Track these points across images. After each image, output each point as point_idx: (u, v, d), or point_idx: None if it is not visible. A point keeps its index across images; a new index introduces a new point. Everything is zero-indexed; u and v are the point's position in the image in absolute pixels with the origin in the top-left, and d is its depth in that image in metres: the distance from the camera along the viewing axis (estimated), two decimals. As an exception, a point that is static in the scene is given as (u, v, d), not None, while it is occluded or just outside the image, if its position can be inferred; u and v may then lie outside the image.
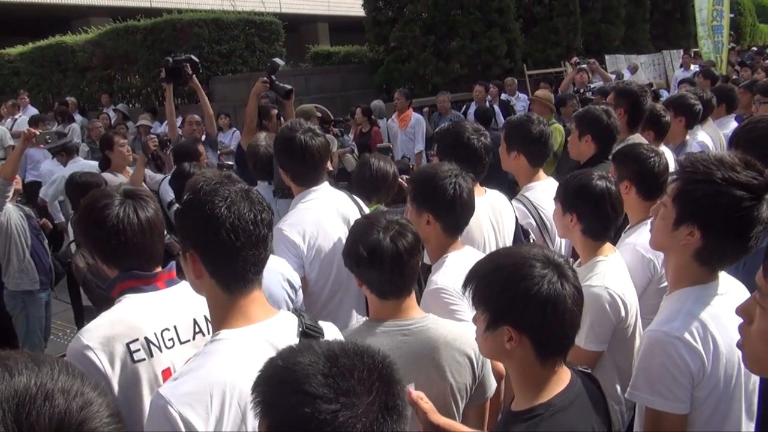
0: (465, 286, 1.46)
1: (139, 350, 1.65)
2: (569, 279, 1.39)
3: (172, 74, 4.96)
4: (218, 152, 5.67)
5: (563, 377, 1.44)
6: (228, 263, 1.43)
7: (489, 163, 2.76)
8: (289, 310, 1.63)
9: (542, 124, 2.95)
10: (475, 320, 1.47)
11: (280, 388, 0.96)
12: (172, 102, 5.16)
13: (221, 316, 1.46)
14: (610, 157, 3.22)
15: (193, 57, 5.08)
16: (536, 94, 6.90)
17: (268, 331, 1.47)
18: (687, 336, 1.57)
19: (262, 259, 1.48)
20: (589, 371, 1.58)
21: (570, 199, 2.23)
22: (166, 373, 1.67)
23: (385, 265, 1.74)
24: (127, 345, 1.64)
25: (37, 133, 4.11)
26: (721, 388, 1.60)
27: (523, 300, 1.35)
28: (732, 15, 14.70)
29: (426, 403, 1.62)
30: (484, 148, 2.70)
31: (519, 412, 1.42)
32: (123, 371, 1.62)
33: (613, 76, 8.71)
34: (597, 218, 2.20)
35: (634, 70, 10.88)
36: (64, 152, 6.26)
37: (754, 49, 16.48)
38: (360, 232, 1.80)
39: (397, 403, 0.97)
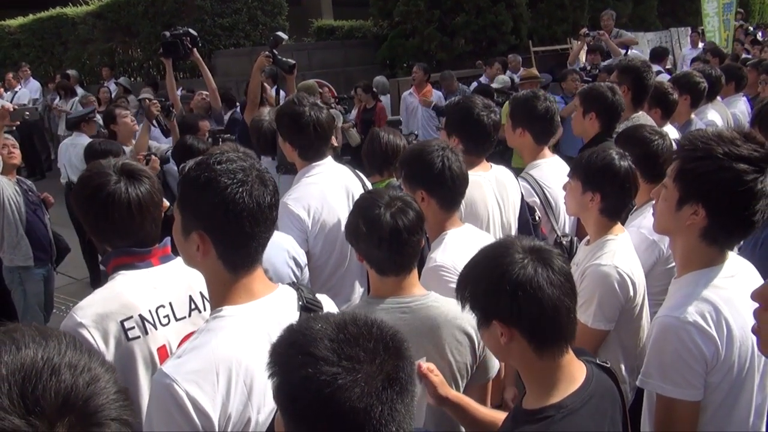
0: (458, 291, 1.44)
1: (133, 328, 1.62)
2: (548, 263, 1.34)
3: (170, 49, 4.91)
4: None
5: (576, 375, 1.39)
6: (241, 246, 1.40)
7: (497, 139, 2.74)
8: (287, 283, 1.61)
9: (548, 100, 2.92)
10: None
11: (289, 350, 0.99)
12: (172, 77, 5.13)
13: (223, 294, 1.43)
14: (614, 135, 3.20)
15: (191, 31, 5.00)
16: (521, 75, 6.89)
17: (270, 306, 1.45)
18: (700, 321, 1.53)
19: (269, 238, 1.47)
20: (607, 365, 1.53)
21: (594, 178, 2.18)
22: (162, 351, 1.66)
23: (383, 242, 1.72)
24: (121, 323, 1.61)
25: (11, 109, 4.05)
26: (735, 373, 1.57)
27: (496, 288, 1.32)
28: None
29: (436, 376, 1.62)
30: (493, 124, 2.68)
31: (529, 410, 1.38)
32: (117, 349, 1.60)
33: (622, 51, 8.56)
34: (621, 198, 2.19)
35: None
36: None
37: (751, 28, 16.16)
38: (362, 207, 1.78)
39: (401, 376, 0.98)
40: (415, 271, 1.85)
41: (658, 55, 8.51)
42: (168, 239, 1.82)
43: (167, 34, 4.95)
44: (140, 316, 1.64)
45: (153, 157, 3.95)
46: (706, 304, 1.55)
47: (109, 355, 1.59)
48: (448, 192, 2.20)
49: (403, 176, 2.28)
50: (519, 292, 1.30)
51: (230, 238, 1.39)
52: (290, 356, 0.98)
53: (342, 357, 0.95)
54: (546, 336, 1.35)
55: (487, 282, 1.35)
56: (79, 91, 10.73)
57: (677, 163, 1.61)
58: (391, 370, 0.96)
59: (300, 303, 1.51)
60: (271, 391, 1.03)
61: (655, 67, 8.17)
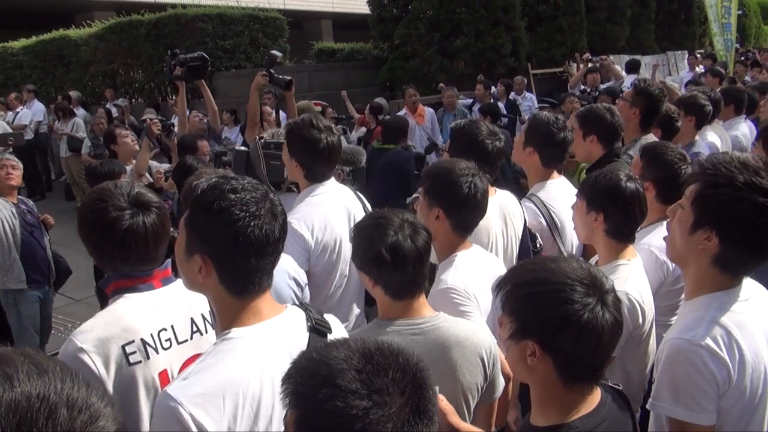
0: (498, 287, 1.39)
1: (135, 352, 1.60)
2: (610, 307, 1.29)
3: (193, 72, 4.98)
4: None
5: (591, 399, 1.36)
6: (245, 277, 1.39)
7: (501, 166, 2.73)
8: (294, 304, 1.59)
9: (567, 130, 2.88)
10: (500, 321, 1.40)
11: (313, 380, 0.94)
12: (185, 100, 5.18)
13: (231, 317, 1.41)
14: (622, 155, 3.19)
15: (205, 55, 5.11)
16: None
17: (279, 328, 1.43)
18: (712, 344, 1.50)
19: (274, 267, 1.45)
20: (619, 388, 1.49)
21: (598, 198, 2.17)
22: (163, 375, 1.63)
23: (408, 266, 1.70)
24: (123, 347, 1.58)
25: None
26: (747, 398, 1.53)
27: (559, 324, 1.26)
28: (740, 11, 14.44)
29: (446, 405, 1.59)
30: (497, 152, 2.68)
31: (539, 428, 1.35)
32: (118, 374, 1.57)
33: (625, 76, 8.67)
34: (625, 220, 2.16)
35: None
36: None
37: (754, 50, 16.29)
38: (376, 233, 1.73)
39: (429, 408, 0.95)
40: (423, 292, 1.83)
41: (634, 67, 9.07)
42: (169, 261, 1.80)
43: (187, 57, 5.02)
44: (142, 340, 1.62)
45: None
46: (718, 328, 1.52)
47: (110, 380, 1.56)
48: (465, 218, 2.19)
49: (426, 188, 2.25)
50: (583, 337, 1.25)
51: (234, 269, 1.37)
52: (314, 387, 0.93)
53: (372, 390, 0.91)
54: (583, 373, 1.32)
55: (550, 313, 1.27)
56: (80, 112, 10.77)
57: (697, 187, 1.58)
58: (419, 403, 0.94)
59: (308, 324, 1.49)
60: (285, 419, 0.99)
61: (632, 78, 8.48)
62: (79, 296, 6.13)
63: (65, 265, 4.58)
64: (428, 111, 8.34)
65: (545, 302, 1.29)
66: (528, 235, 2.75)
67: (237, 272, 1.38)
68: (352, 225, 2.62)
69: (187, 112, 5.54)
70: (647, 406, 1.64)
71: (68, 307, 5.95)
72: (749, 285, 1.65)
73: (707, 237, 1.55)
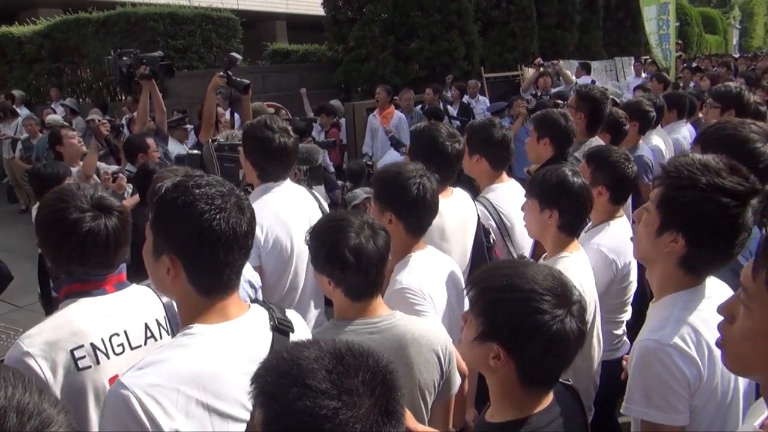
0: (469, 286, 1.41)
1: (84, 357, 1.56)
2: (575, 317, 1.32)
3: (166, 70, 4.98)
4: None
5: (546, 396, 1.39)
6: (214, 273, 1.37)
7: (460, 167, 2.77)
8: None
9: (504, 128, 2.98)
10: (464, 318, 1.41)
11: (282, 379, 0.93)
12: (147, 100, 5.10)
13: (195, 315, 1.39)
14: (567, 158, 3.29)
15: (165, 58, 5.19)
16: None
17: (242, 328, 1.42)
18: (680, 342, 1.50)
19: (243, 265, 1.44)
20: (569, 383, 1.52)
21: (549, 195, 2.22)
22: (114, 381, 1.59)
23: (371, 268, 1.71)
24: (71, 352, 1.54)
25: None
26: (720, 396, 1.53)
27: (529, 333, 1.28)
28: (678, 23, 15.03)
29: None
30: (456, 154, 2.72)
31: (493, 424, 1.38)
32: (66, 379, 1.53)
33: (575, 79, 8.91)
34: (577, 213, 2.23)
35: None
36: None
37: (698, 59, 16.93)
38: (337, 235, 1.73)
39: (397, 409, 0.96)
40: (381, 292, 1.85)
41: (587, 68, 10.11)
42: (123, 266, 1.77)
43: (156, 56, 5.03)
44: (92, 344, 1.58)
45: (120, 175, 3.84)
46: (686, 326, 1.53)
47: (57, 385, 1.52)
48: (417, 220, 2.21)
49: (375, 194, 2.28)
50: (552, 347, 1.28)
51: (203, 265, 1.35)
52: (283, 387, 0.92)
53: (342, 390, 0.91)
54: (544, 379, 1.35)
55: (520, 321, 1.29)
56: (23, 111, 10.39)
57: (661, 190, 1.60)
58: (388, 404, 0.94)
59: (271, 323, 1.48)
60: (253, 418, 0.98)
61: (587, 79, 8.85)
62: (23, 303, 5.91)
63: (6, 270, 4.39)
64: (397, 115, 8.16)
65: (516, 310, 1.30)
66: (482, 231, 2.80)
67: (205, 269, 1.36)
68: (309, 224, 2.62)
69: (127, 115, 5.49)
70: (621, 410, 1.63)
71: (11, 314, 5.74)
72: (712, 283, 1.66)
73: (674, 239, 1.57)
